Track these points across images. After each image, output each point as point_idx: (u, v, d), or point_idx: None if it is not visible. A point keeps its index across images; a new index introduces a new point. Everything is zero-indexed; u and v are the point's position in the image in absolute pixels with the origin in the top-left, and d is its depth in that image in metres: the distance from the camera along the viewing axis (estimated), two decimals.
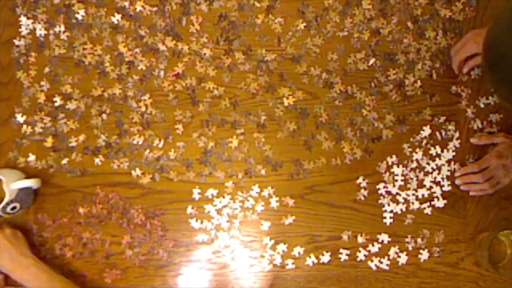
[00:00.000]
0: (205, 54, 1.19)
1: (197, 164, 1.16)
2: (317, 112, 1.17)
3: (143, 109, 1.17)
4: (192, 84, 1.18)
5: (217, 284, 1.15)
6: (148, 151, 1.16)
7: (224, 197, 1.16)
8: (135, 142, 1.16)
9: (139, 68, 1.18)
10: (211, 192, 1.16)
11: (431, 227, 1.16)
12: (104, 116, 1.17)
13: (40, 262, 1.08)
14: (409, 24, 1.19)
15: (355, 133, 1.17)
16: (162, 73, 1.18)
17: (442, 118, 1.18)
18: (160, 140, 1.16)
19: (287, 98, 1.17)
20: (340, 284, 1.14)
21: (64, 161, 1.16)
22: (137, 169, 1.16)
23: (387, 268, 1.15)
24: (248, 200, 1.16)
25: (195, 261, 1.15)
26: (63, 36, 1.18)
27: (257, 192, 1.16)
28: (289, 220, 1.15)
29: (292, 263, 1.14)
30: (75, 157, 1.16)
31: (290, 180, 1.17)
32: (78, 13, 1.18)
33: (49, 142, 1.16)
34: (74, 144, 1.16)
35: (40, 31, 1.19)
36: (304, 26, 1.19)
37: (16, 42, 1.18)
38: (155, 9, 1.19)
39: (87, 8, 1.19)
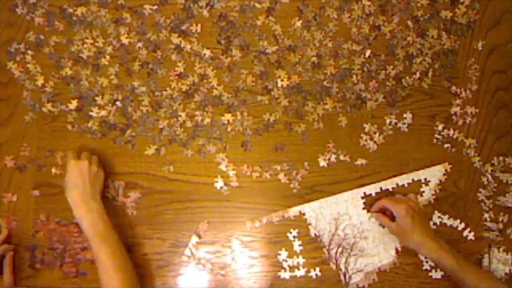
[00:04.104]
0: (205, 54, 1.19)
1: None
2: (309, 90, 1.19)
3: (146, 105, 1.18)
4: (195, 82, 1.19)
5: (217, 284, 1.15)
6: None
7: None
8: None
9: (145, 64, 1.20)
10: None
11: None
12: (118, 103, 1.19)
13: (103, 210, 1.08)
14: (409, 23, 1.20)
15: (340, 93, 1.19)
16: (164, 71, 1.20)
17: (441, 120, 1.18)
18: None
19: (282, 80, 1.18)
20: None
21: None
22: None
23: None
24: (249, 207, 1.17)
25: (195, 261, 1.15)
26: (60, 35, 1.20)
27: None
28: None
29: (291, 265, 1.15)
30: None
31: (289, 180, 1.17)
32: (76, 10, 1.20)
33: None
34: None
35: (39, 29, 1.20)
36: (304, 26, 1.20)
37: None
38: (155, 7, 1.20)
39: (88, 5, 1.21)
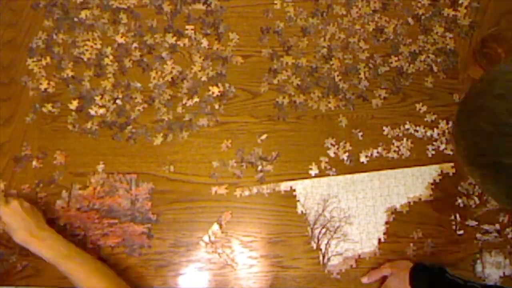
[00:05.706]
0: (201, 43, 1.20)
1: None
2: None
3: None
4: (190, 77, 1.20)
5: (217, 284, 1.15)
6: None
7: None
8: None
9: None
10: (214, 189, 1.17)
11: (431, 227, 1.16)
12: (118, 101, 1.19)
13: (56, 234, 1.08)
14: (410, 19, 1.21)
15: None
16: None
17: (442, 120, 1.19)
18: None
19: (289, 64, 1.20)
20: (340, 284, 1.15)
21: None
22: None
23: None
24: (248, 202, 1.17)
25: (195, 261, 1.16)
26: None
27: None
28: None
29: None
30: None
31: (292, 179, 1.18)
32: (80, 14, 1.21)
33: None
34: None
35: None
36: (304, 29, 1.21)
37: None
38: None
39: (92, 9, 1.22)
